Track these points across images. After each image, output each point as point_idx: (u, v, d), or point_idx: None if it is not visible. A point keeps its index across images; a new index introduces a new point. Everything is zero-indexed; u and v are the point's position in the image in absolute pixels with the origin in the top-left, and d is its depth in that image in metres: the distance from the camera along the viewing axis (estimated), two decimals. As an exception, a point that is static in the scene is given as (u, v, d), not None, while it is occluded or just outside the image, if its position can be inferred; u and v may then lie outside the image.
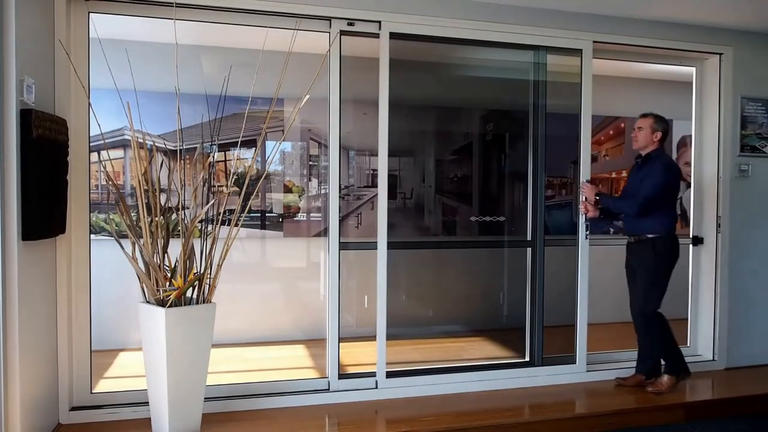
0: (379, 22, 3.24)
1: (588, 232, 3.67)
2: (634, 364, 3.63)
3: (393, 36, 3.26)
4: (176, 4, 2.91)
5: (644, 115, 3.55)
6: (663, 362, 3.50)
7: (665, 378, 3.43)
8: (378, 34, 3.25)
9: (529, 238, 3.78)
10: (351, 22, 3.20)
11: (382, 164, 3.28)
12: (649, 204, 3.33)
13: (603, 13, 3.60)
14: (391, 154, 3.28)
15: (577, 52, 3.63)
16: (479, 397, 3.36)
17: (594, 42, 3.64)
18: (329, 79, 3.19)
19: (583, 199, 3.62)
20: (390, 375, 3.33)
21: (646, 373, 3.51)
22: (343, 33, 3.21)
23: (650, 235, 3.39)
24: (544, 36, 3.55)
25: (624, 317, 5.10)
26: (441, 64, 4.09)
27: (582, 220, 3.64)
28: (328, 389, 3.25)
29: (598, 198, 3.57)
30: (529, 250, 3.77)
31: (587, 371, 3.66)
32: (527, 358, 3.70)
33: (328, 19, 3.19)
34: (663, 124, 3.48)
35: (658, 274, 3.38)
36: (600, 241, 3.54)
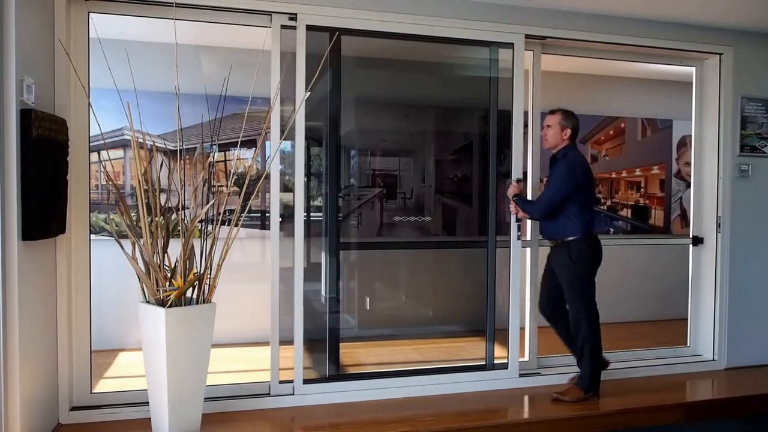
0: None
1: (520, 233, 3.51)
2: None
3: (310, 28, 3.13)
4: (176, 4, 2.91)
5: (552, 112, 3.32)
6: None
7: (574, 390, 3.26)
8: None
9: (483, 239, 3.66)
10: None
11: (299, 161, 3.14)
12: (553, 206, 3.17)
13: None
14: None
15: (509, 45, 3.49)
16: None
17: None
18: (271, 77, 3.08)
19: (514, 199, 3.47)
20: (307, 381, 3.20)
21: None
22: (284, 27, 3.10)
23: (566, 238, 3.21)
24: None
25: (619, 317, 5.13)
26: (393, 60, 4.01)
27: (513, 220, 3.48)
28: (269, 394, 3.15)
29: (515, 199, 3.39)
30: (484, 251, 3.62)
31: (520, 377, 3.52)
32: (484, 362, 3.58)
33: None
34: (572, 120, 3.27)
35: (577, 280, 3.20)
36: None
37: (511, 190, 3.42)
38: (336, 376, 3.35)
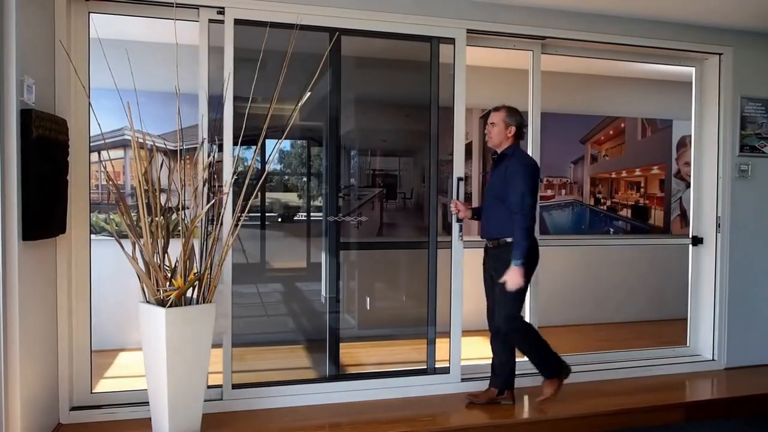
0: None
1: (461, 234, 3.39)
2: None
3: (239, 23, 3.03)
4: (176, 4, 2.91)
5: (496, 109, 3.17)
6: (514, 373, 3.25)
7: (547, 385, 3.14)
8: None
9: (424, 239, 3.53)
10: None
11: (228, 159, 3.03)
12: (531, 205, 2.99)
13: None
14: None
15: (451, 40, 3.39)
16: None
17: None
18: (199, 71, 3.02)
19: (455, 198, 3.38)
20: (236, 386, 3.11)
21: (500, 386, 3.21)
22: (212, 21, 3.02)
23: (507, 239, 3.03)
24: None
25: (619, 317, 5.12)
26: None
27: (454, 220, 3.38)
28: (221, 398, 3.08)
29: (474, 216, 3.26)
30: (426, 251, 3.50)
31: (462, 381, 3.41)
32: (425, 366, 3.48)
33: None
34: (516, 118, 3.12)
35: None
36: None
37: (462, 213, 3.30)
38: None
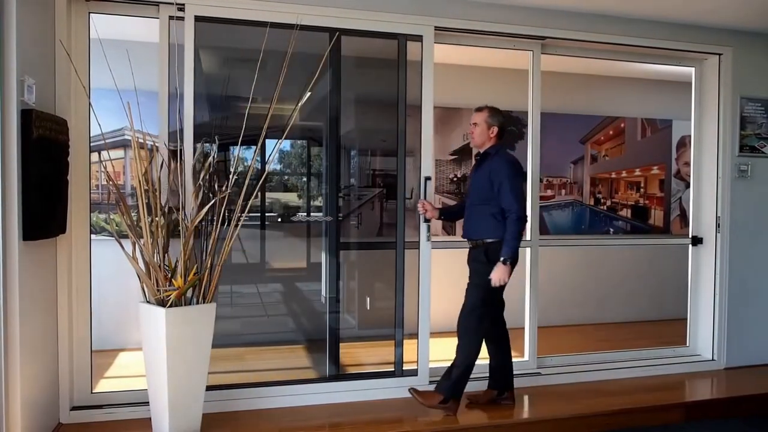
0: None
1: (429, 234, 3.33)
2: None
3: (199, 19, 2.97)
4: (176, 3, 2.91)
5: (479, 109, 3.15)
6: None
7: (432, 396, 3.04)
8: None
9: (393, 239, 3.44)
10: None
11: (189, 159, 2.96)
12: (523, 202, 3.01)
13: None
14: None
15: (418, 38, 3.33)
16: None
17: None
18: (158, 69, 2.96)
19: (422, 198, 3.34)
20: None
21: (500, 387, 3.21)
22: (171, 18, 2.96)
23: (487, 240, 3.03)
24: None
25: (619, 317, 5.12)
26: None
27: (422, 220, 3.34)
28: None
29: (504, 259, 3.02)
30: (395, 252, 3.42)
31: (430, 383, 3.30)
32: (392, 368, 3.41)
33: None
34: (499, 118, 3.12)
35: (487, 283, 2.97)
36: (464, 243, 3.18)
37: (430, 213, 3.27)
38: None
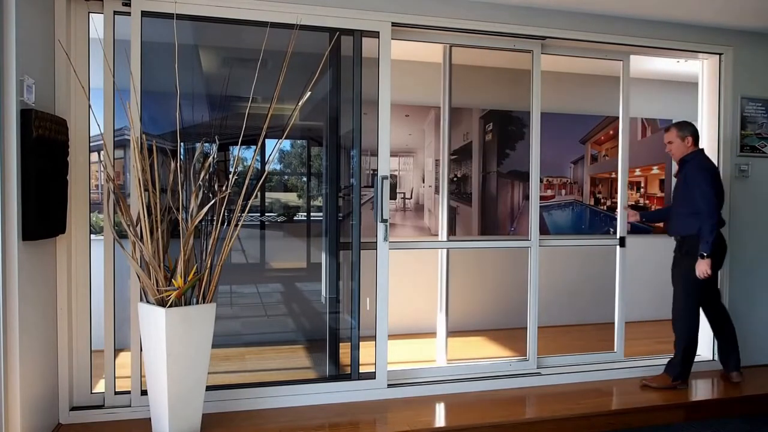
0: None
1: (387, 234, 3.30)
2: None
3: (146, 15, 2.89)
4: (176, 3, 2.91)
5: (667, 129, 3.59)
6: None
7: (663, 378, 3.54)
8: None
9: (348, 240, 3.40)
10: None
11: (138, 156, 2.76)
12: (716, 207, 3.36)
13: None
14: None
15: (374, 34, 3.26)
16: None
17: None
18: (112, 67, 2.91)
19: (379, 197, 3.32)
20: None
21: (732, 365, 3.65)
22: (117, 13, 2.91)
23: (683, 235, 3.51)
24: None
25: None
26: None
27: (378, 220, 3.31)
28: (130, 405, 2.97)
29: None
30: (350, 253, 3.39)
31: (388, 387, 3.30)
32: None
33: None
34: (688, 128, 3.51)
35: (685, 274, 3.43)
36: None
37: (632, 217, 3.82)
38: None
